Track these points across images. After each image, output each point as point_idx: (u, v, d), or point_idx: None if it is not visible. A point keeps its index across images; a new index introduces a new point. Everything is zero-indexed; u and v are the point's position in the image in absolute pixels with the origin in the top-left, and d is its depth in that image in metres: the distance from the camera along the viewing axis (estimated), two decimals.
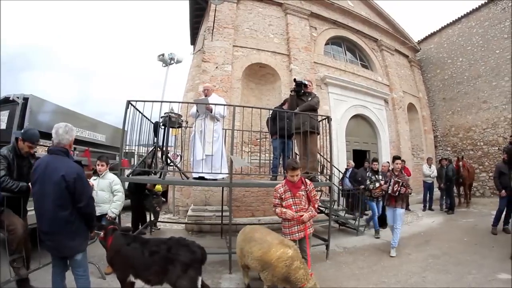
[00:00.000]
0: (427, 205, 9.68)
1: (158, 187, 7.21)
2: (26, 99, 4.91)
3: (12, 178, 3.14)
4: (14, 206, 3.16)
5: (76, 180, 2.46)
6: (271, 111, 5.93)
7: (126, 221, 7.39)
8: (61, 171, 2.43)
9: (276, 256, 2.95)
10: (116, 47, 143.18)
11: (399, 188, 5.13)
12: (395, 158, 5.66)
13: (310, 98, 5.47)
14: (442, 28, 14.06)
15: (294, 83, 5.45)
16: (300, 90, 5.40)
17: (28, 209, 3.36)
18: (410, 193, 5.47)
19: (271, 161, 5.89)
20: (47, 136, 4.96)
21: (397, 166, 5.46)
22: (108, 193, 4.19)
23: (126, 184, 5.41)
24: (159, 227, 7.09)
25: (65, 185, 2.41)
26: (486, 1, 12.00)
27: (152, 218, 6.73)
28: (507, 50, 11.19)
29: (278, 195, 3.61)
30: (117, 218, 4.24)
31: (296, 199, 3.56)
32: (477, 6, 12.41)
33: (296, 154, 6.30)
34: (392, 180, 5.30)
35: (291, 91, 5.49)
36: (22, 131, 3.43)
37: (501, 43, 11.41)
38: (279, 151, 5.66)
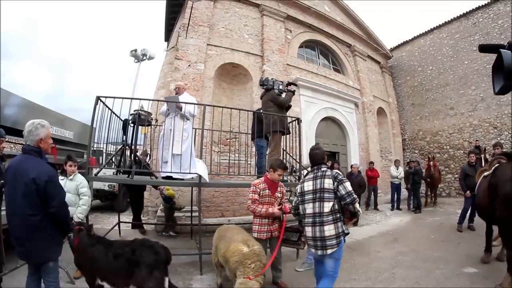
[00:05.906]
0: (395, 205, 10.01)
1: (171, 192, 6.59)
2: None
3: None
4: None
5: (47, 184, 2.27)
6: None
7: (95, 222, 7.09)
8: (32, 173, 2.25)
9: (231, 251, 2.93)
10: (96, 41, 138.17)
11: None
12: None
13: None
14: (415, 38, 14.64)
15: (290, 84, 5.40)
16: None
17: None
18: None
19: (257, 160, 5.59)
20: (12, 131, 4.67)
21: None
22: (74, 195, 3.98)
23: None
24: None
25: (35, 188, 2.23)
26: (459, 14, 12.68)
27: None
28: (475, 61, 11.83)
29: (258, 190, 3.48)
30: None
31: (272, 199, 3.52)
32: (449, 19, 13.05)
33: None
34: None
35: (289, 90, 5.35)
36: None
37: (470, 55, 12.05)
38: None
